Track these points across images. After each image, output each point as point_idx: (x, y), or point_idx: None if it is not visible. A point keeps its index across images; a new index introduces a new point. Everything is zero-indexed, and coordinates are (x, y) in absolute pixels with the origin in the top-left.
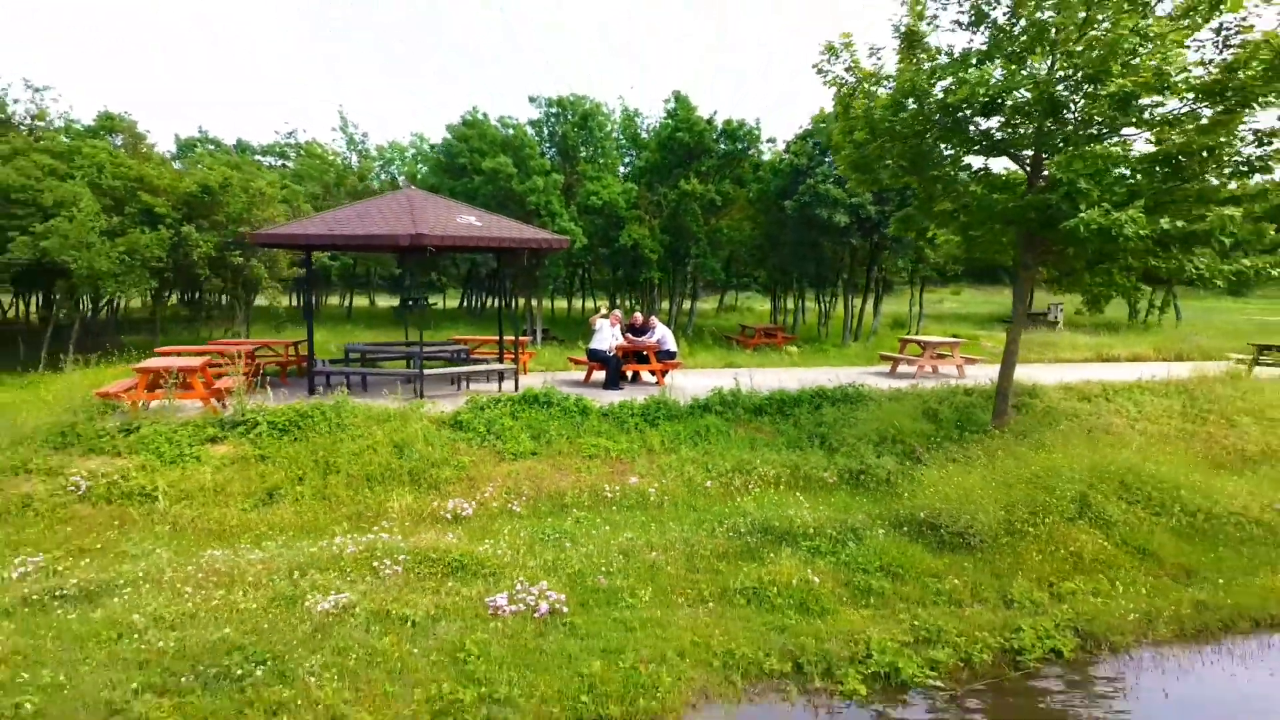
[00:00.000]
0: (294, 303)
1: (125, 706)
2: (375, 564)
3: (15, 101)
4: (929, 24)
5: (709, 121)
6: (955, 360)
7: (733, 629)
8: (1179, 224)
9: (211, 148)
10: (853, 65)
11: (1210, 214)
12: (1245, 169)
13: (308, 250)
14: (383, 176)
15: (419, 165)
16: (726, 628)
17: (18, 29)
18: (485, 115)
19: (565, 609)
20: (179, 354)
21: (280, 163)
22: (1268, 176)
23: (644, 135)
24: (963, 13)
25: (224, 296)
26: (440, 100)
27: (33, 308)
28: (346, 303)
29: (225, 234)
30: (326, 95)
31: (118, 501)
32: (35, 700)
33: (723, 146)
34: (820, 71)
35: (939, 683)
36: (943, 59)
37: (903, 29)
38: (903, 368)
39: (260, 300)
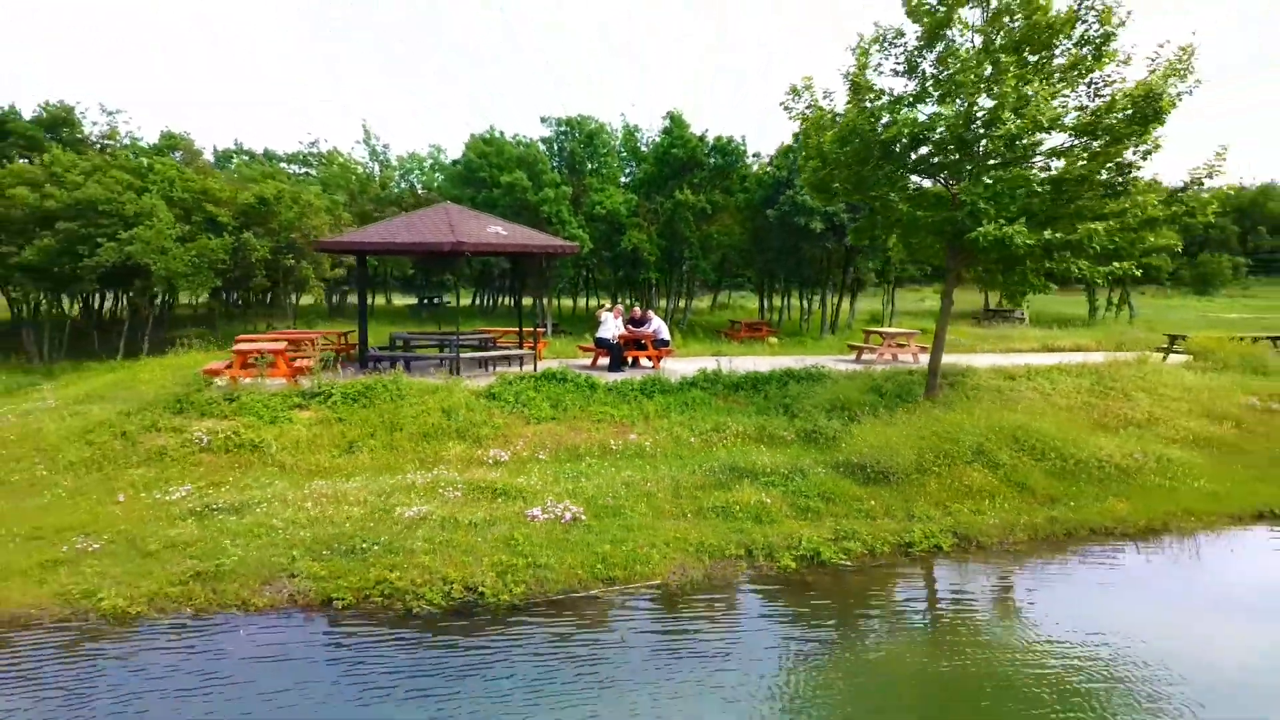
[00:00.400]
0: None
1: (291, 566)
2: (440, 490)
3: (94, 124)
4: (874, 71)
5: (701, 138)
6: (911, 349)
7: (704, 531)
8: (1058, 235)
9: (246, 159)
10: (812, 103)
11: (1081, 228)
12: (1109, 193)
13: (364, 255)
14: (402, 185)
15: (436, 174)
16: (700, 530)
17: (17, 28)
18: (502, 134)
19: (583, 517)
20: (262, 340)
21: (304, 170)
22: (1129, 199)
23: (643, 148)
24: (899, 64)
25: (267, 294)
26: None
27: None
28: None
29: (278, 240)
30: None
31: (234, 451)
32: (227, 563)
33: (713, 160)
34: (786, 108)
35: (848, 562)
36: (884, 100)
37: (850, 77)
38: (866, 355)
39: (306, 298)
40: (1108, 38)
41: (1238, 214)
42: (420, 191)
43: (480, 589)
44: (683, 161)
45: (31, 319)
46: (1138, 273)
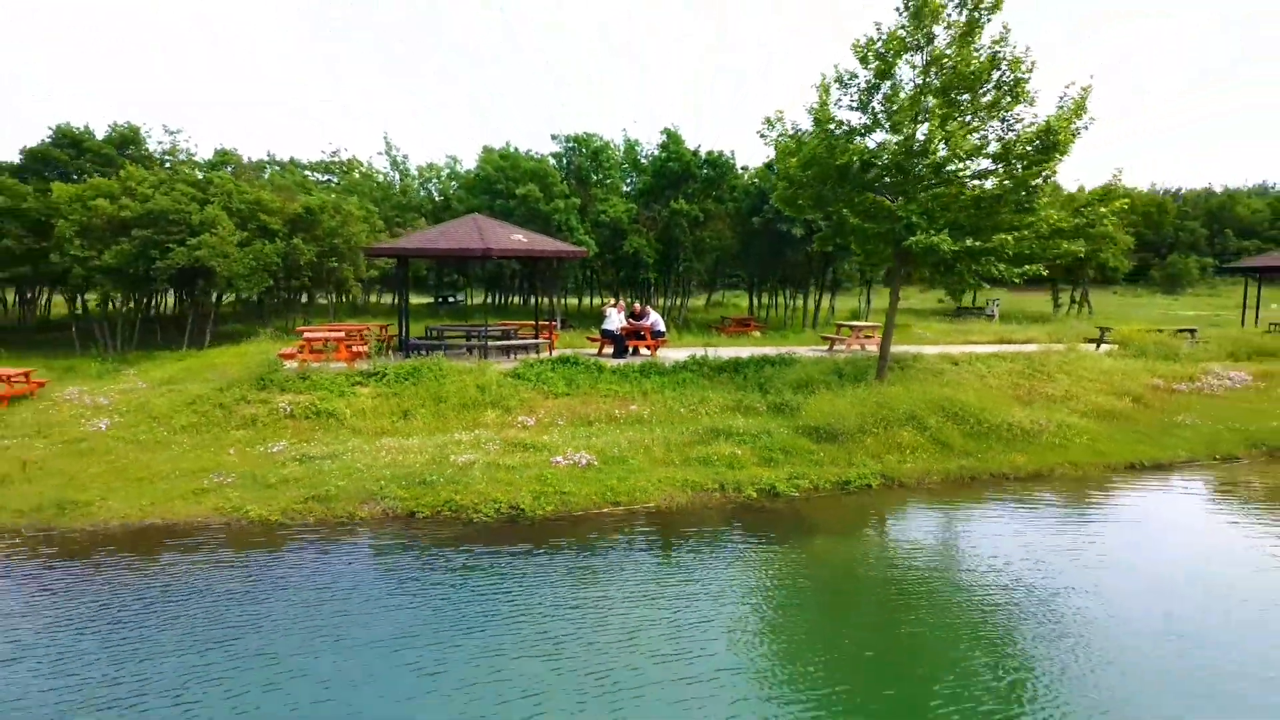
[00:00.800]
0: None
1: (380, 491)
2: (482, 445)
3: (158, 143)
4: (834, 105)
5: (694, 152)
6: (875, 340)
7: (688, 473)
8: (977, 243)
9: (279, 168)
10: (783, 133)
11: (995, 238)
12: (1019, 209)
13: (406, 259)
14: (421, 193)
15: (451, 183)
16: (685, 473)
17: (16, 28)
18: (516, 149)
19: (595, 463)
20: (326, 330)
21: (326, 178)
22: (1034, 214)
23: (643, 160)
24: (854, 101)
25: (302, 292)
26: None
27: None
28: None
29: (322, 245)
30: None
31: (313, 418)
32: (333, 489)
33: (705, 172)
34: (761, 135)
35: (796, 494)
36: (842, 130)
37: (812, 112)
38: (838, 346)
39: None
40: (1019, 82)
41: (1208, 217)
42: (438, 199)
43: (521, 507)
44: (678, 174)
45: (100, 315)
46: (1044, 272)
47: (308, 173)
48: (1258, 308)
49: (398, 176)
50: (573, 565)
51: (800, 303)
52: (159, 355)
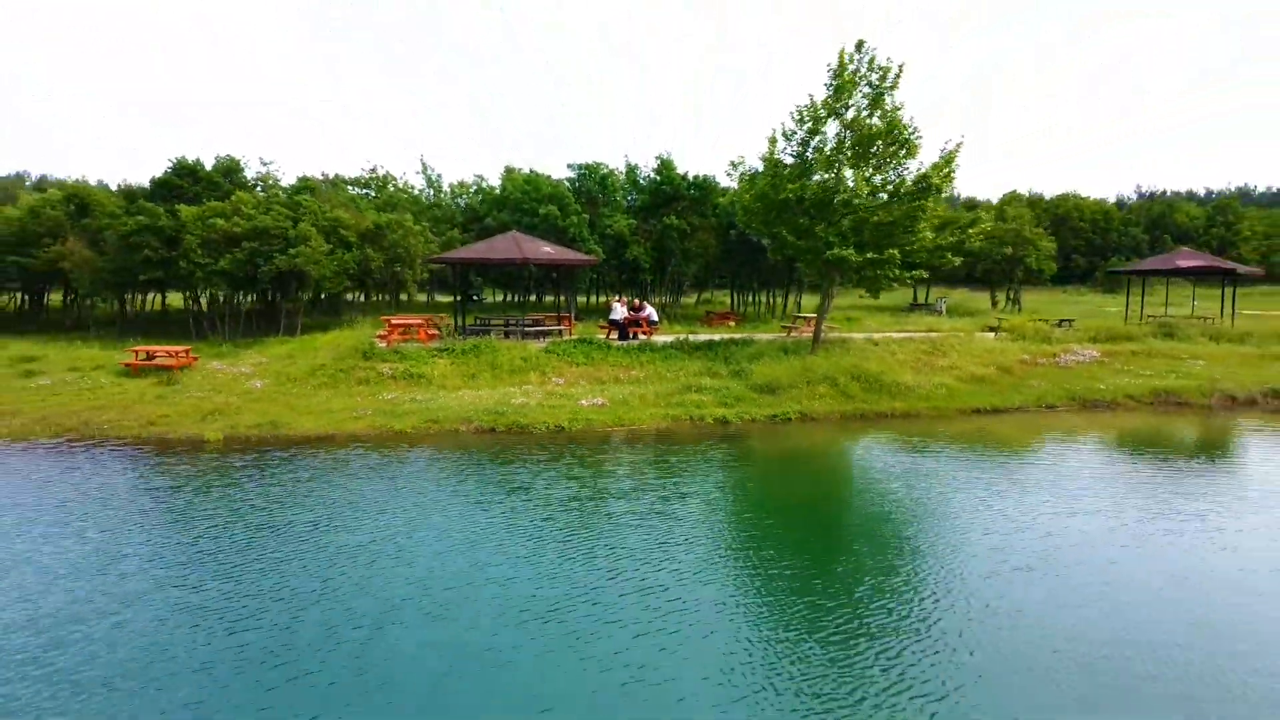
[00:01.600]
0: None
1: (471, 416)
2: (529, 394)
3: (255, 172)
4: (781, 152)
5: (683, 176)
6: (818, 335)
7: (669, 410)
8: (872, 256)
9: (330, 187)
10: (744, 173)
11: (887, 253)
12: (905, 232)
13: (463, 265)
14: (453, 207)
15: (477, 198)
16: (666, 410)
17: (16, 28)
18: (536, 172)
19: (608, 404)
20: (407, 318)
21: (364, 191)
22: (915, 236)
23: (641, 181)
24: (794, 151)
25: (361, 292)
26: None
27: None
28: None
29: (388, 254)
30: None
31: (407, 380)
32: (441, 415)
33: (692, 193)
34: (728, 174)
35: (739, 422)
36: (784, 171)
37: (763, 158)
38: (794, 332)
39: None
40: (908, 141)
41: (1149, 223)
42: (468, 213)
43: (562, 426)
44: (669, 195)
45: (207, 310)
46: (926, 275)
47: (350, 188)
48: (1142, 304)
49: (431, 192)
50: (596, 454)
51: (772, 299)
52: (263, 340)
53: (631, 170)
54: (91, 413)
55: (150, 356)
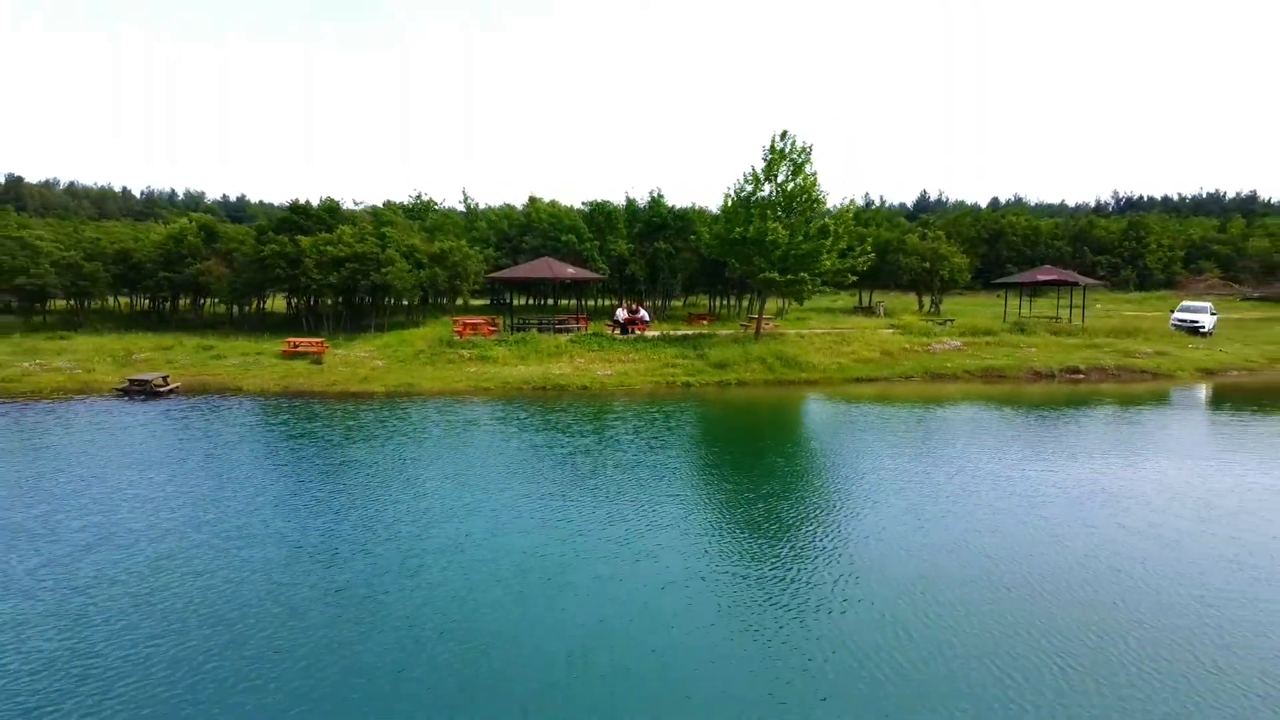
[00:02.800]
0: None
1: (528, 380)
2: (562, 369)
3: (349, 209)
4: (733, 204)
5: (671, 208)
6: (770, 325)
7: (653, 378)
8: (790, 277)
9: (383, 209)
10: (706, 219)
11: (800, 274)
12: (813, 260)
13: (511, 281)
14: (489, 231)
15: (508, 224)
16: (651, 378)
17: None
18: (559, 204)
19: (613, 375)
20: (471, 318)
21: (412, 219)
22: (819, 263)
23: (638, 212)
24: (743, 203)
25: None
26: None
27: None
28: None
29: (450, 271)
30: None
31: (480, 360)
32: (511, 380)
33: (677, 224)
34: (698, 217)
35: (698, 386)
36: (734, 218)
37: (721, 208)
38: (747, 328)
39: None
40: (817, 200)
41: (1073, 237)
42: (497, 233)
43: (585, 386)
44: (659, 224)
45: (309, 310)
46: (826, 288)
47: (402, 213)
48: (1019, 306)
49: (469, 215)
50: (607, 401)
51: (740, 302)
52: (361, 335)
53: (631, 204)
54: (286, 380)
55: (297, 346)
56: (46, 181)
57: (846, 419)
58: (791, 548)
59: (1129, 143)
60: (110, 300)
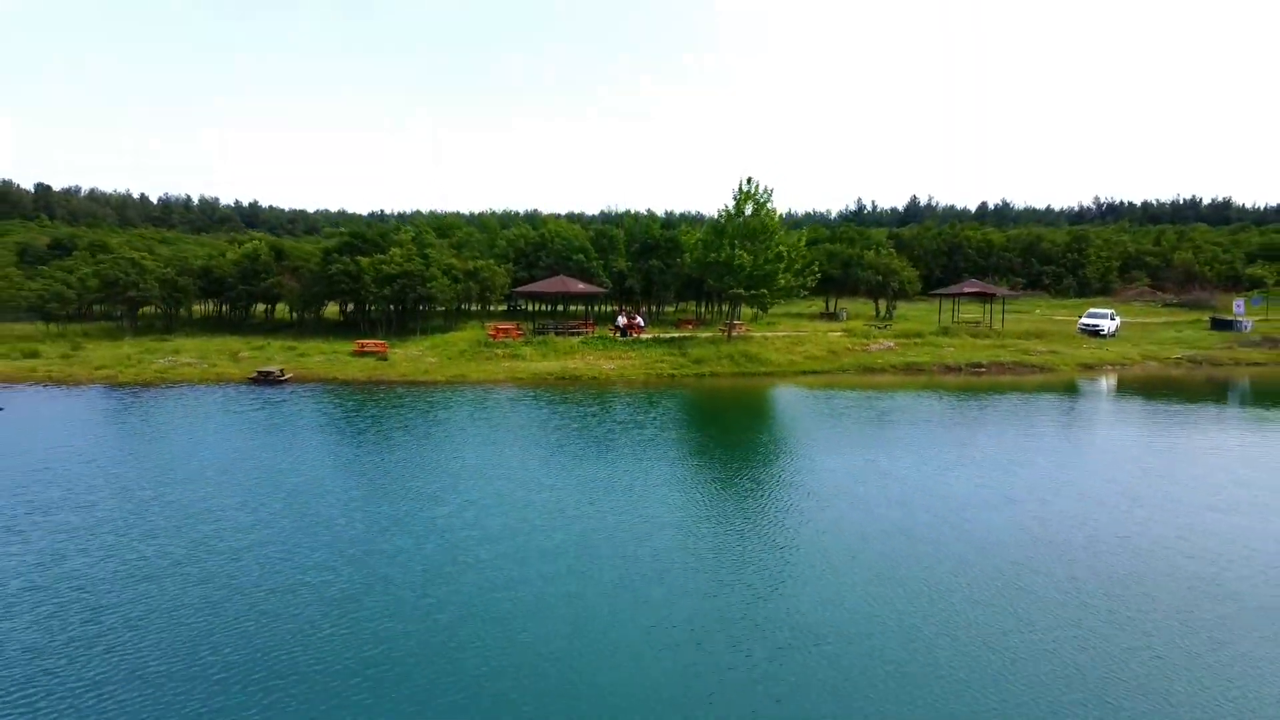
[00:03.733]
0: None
1: (551, 372)
2: (575, 364)
3: (397, 231)
4: (711, 232)
5: (662, 228)
6: (743, 329)
7: (646, 371)
8: (755, 292)
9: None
10: (688, 245)
11: (763, 290)
12: (768, 279)
13: (532, 295)
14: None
15: (523, 242)
16: (644, 371)
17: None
18: (570, 224)
19: (615, 368)
20: (503, 324)
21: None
22: (774, 281)
23: (635, 232)
24: (717, 233)
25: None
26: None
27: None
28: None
29: (482, 285)
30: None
31: (511, 357)
32: (540, 372)
33: (667, 244)
34: (681, 242)
35: (679, 376)
36: (710, 244)
37: (700, 237)
38: (736, 329)
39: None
40: (774, 233)
41: (1023, 250)
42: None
43: (595, 376)
44: (652, 245)
45: (364, 315)
46: (783, 301)
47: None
48: (954, 312)
49: (489, 235)
50: (610, 386)
51: (722, 309)
52: (409, 337)
53: (629, 227)
54: (368, 372)
55: (364, 347)
56: (67, 189)
57: (784, 400)
58: (720, 474)
59: (1113, 149)
60: (196, 307)
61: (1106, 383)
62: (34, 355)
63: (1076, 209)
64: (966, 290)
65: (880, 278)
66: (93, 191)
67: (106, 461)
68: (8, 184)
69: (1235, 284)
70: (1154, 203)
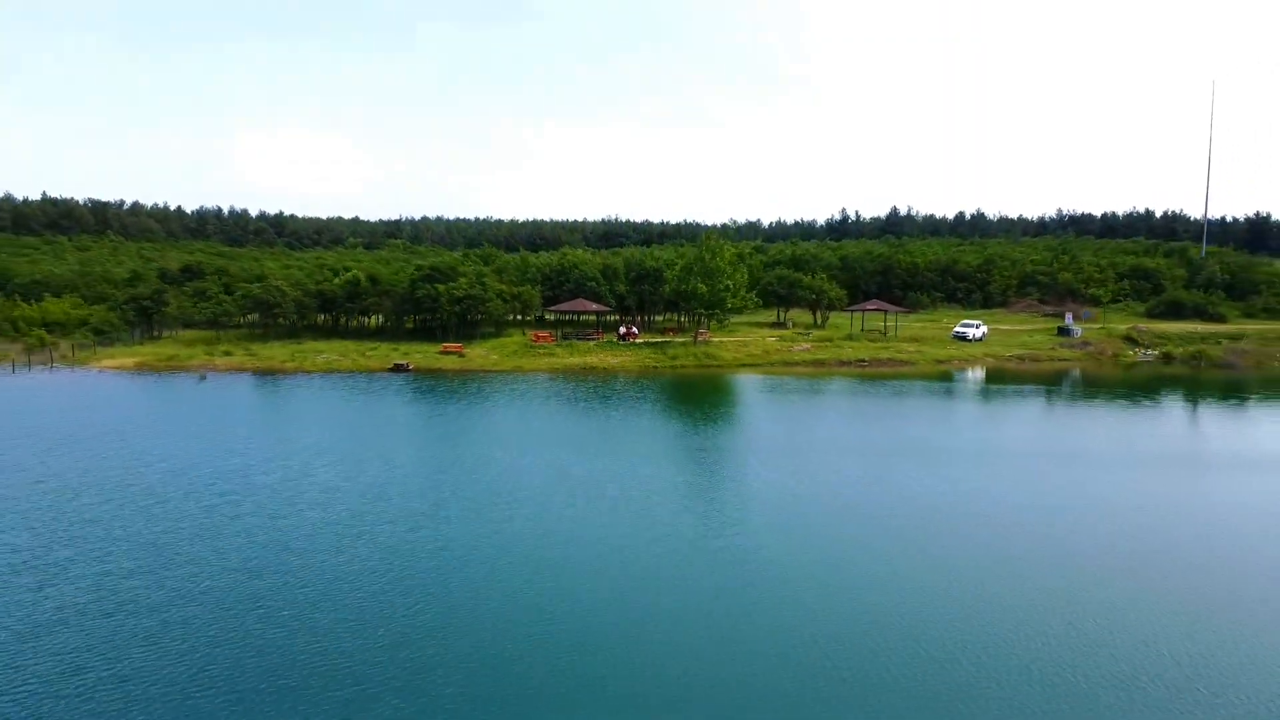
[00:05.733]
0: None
1: (575, 365)
2: (593, 360)
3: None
4: (684, 269)
5: (655, 258)
6: (707, 336)
7: (640, 364)
8: (711, 311)
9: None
10: (670, 275)
11: (717, 310)
12: (720, 302)
13: (559, 311)
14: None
15: (551, 271)
16: (639, 365)
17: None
18: (588, 257)
19: (619, 363)
20: (541, 331)
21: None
22: (727, 302)
23: (632, 265)
24: (687, 270)
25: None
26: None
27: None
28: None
29: (523, 303)
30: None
31: (549, 355)
32: (574, 364)
33: (656, 274)
34: (666, 270)
35: (662, 368)
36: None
37: (680, 268)
38: (701, 335)
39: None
40: (726, 271)
41: (941, 270)
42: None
43: (606, 368)
44: (644, 274)
45: (439, 324)
46: (741, 316)
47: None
48: (862, 322)
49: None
50: (614, 375)
51: (698, 320)
52: (474, 341)
53: (627, 259)
54: (458, 365)
55: (447, 348)
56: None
57: (726, 383)
58: (669, 433)
59: (1082, 163)
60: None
61: (969, 374)
62: (229, 354)
63: (1043, 219)
64: (869, 307)
65: (814, 295)
66: (135, 205)
67: (402, 418)
68: (71, 201)
69: (1101, 300)
70: (1111, 214)
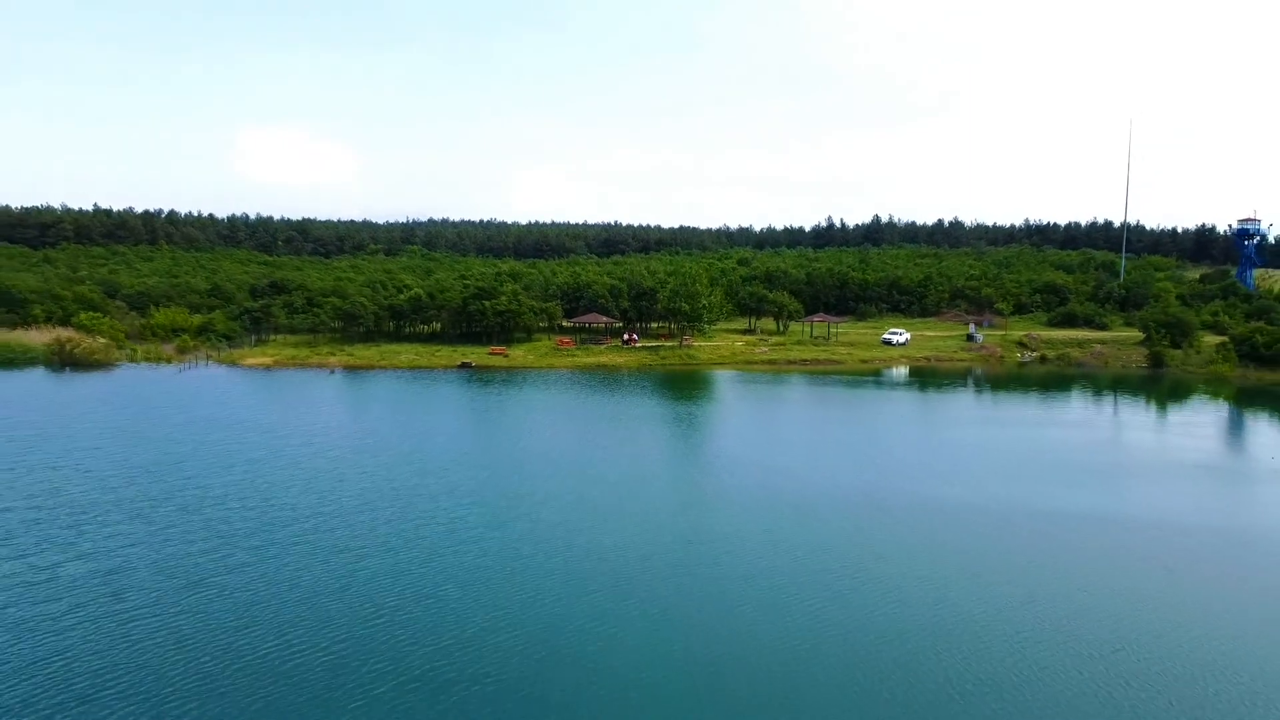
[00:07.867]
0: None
1: (589, 364)
2: (605, 358)
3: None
4: (673, 289)
5: (653, 275)
6: (691, 341)
7: (639, 363)
8: (691, 323)
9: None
10: (668, 284)
11: (695, 321)
12: (696, 315)
13: (576, 322)
14: (554, 288)
15: (568, 287)
16: (638, 363)
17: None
18: (600, 272)
19: (625, 363)
20: (563, 336)
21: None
22: (703, 316)
23: (633, 284)
24: (674, 292)
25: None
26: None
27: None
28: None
29: (548, 313)
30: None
31: (569, 356)
32: (593, 364)
33: (652, 291)
34: (662, 286)
35: (656, 365)
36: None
37: (671, 287)
38: (685, 340)
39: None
40: (701, 295)
41: (888, 286)
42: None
43: (614, 366)
44: (643, 291)
45: (484, 330)
46: (719, 324)
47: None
48: (812, 329)
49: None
50: (618, 372)
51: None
52: (511, 345)
53: (629, 279)
54: (504, 364)
55: (493, 350)
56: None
57: (701, 377)
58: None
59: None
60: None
61: (892, 371)
62: (332, 355)
63: (1012, 228)
64: (815, 319)
65: (777, 307)
66: (171, 214)
67: (497, 397)
68: (129, 212)
69: (1018, 309)
70: (1074, 224)
